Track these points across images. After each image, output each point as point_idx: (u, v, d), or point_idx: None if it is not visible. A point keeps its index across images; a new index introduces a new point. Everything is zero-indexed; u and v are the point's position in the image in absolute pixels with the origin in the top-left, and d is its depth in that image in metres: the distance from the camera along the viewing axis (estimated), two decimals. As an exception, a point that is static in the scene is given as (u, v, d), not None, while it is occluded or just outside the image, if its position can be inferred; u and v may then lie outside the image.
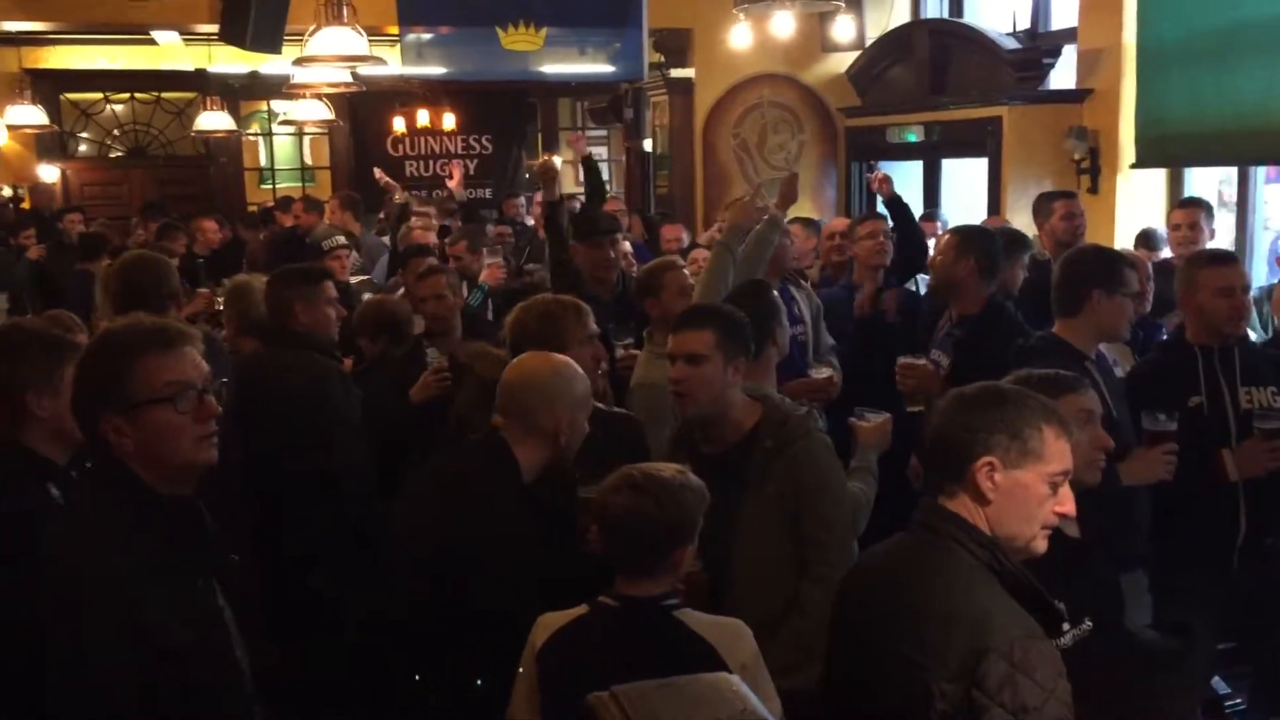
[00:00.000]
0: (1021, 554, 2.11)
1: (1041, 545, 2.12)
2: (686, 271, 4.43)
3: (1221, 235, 6.48)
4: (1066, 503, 2.11)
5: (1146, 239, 6.10)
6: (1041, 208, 5.61)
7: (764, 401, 3.03)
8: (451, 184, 9.87)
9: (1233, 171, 7.06)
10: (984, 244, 4.36)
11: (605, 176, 14.65)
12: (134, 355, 2.06)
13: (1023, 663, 1.89)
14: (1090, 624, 2.42)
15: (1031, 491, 2.06)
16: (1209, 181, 7.29)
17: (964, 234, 4.47)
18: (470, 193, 11.87)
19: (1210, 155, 6.74)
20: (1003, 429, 2.06)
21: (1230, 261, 3.77)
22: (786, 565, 2.86)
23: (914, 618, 2.01)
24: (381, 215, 9.23)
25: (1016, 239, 5.04)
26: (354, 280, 6.24)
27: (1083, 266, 3.65)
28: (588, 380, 2.88)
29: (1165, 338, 4.23)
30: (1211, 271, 3.67)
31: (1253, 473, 3.47)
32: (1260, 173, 6.87)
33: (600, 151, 15.38)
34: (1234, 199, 7.06)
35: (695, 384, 2.95)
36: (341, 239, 6.17)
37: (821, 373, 4.38)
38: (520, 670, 2.43)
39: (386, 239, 8.44)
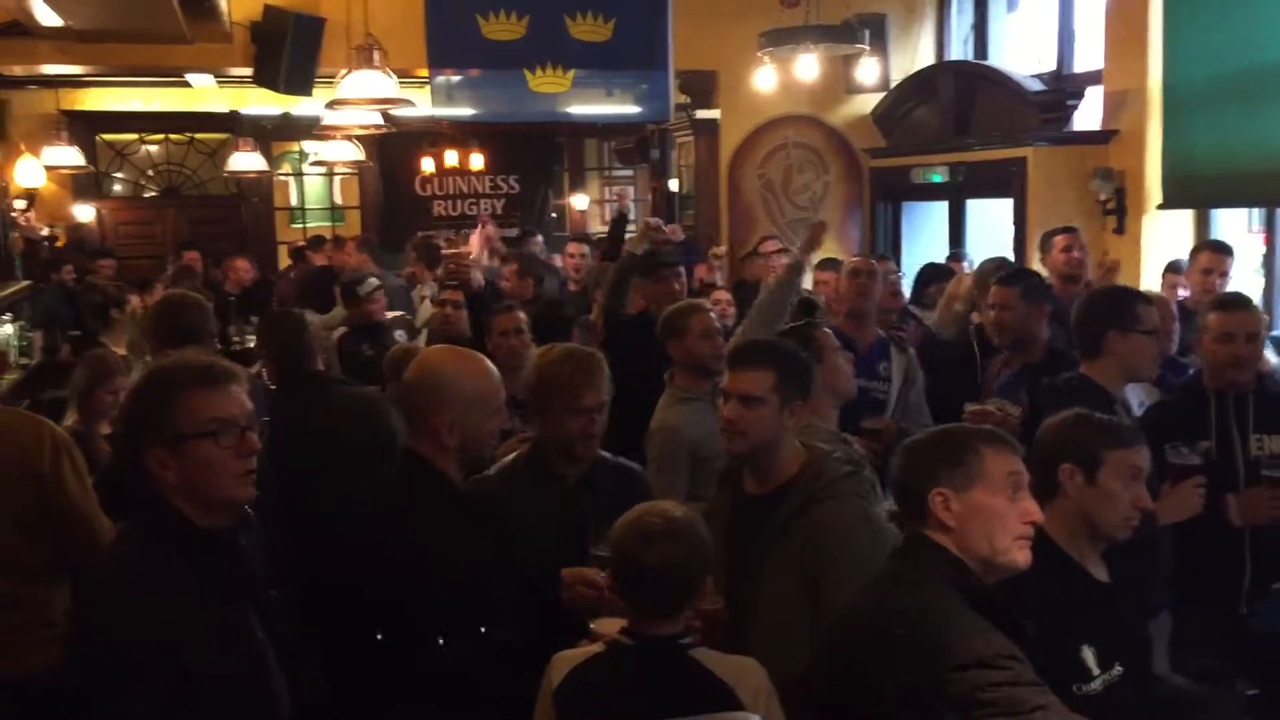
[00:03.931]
0: (1002, 570, 2.18)
1: (1020, 556, 2.19)
2: (713, 314, 4.33)
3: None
4: (1033, 511, 2.21)
5: (1173, 267, 6.09)
6: (1044, 243, 5.81)
7: (810, 452, 2.88)
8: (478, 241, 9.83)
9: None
10: (1045, 288, 4.39)
11: (631, 216, 14.85)
12: (181, 390, 2.12)
13: (984, 655, 1.96)
14: (1120, 670, 2.41)
15: (989, 507, 2.17)
16: (1237, 221, 7.26)
17: (1026, 283, 4.40)
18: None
19: (1237, 196, 6.73)
20: (943, 460, 2.21)
21: (1236, 307, 3.69)
22: (807, 631, 2.66)
23: (878, 621, 2.12)
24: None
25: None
26: (388, 315, 6.30)
27: (1096, 307, 3.65)
28: (490, 379, 2.69)
29: (1183, 379, 4.21)
30: (1216, 316, 3.65)
31: (1256, 520, 3.44)
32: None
33: (627, 191, 15.52)
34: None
35: (747, 425, 2.81)
36: (375, 281, 6.25)
37: (872, 424, 4.31)
38: (537, 709, 2.43)
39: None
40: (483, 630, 2.53)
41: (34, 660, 3.07)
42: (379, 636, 2.48)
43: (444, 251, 7.57)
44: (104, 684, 1.96)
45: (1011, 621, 2.09)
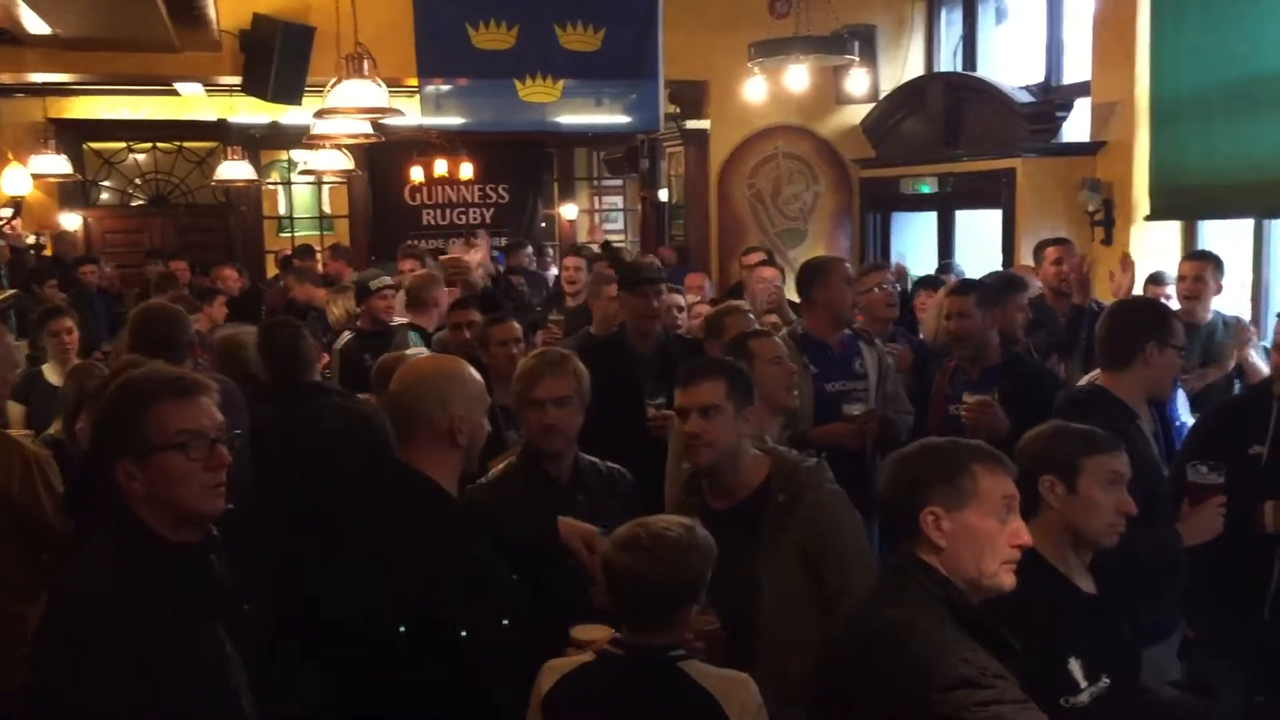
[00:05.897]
0: (988, 592, 2.16)
1: (1006, 579, 2.16)
2: (751, 315, 4.58)
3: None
4: (1022, 534, 2.18)
5: (1156, 279, 6.12)
6: (1037, 255, 5.90)
7: (772, 454, 2.99)
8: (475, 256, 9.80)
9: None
10: (995, 293, 4.45)
11: (620, 226, 14.86)
12: (151, 402, 2.09)
13: (968, 675, 1.94)
14: (1107, 682, 2.40)
15: (980, 529, 2.14)
16: (1223, 233, 7.28)
17: (979, 291, 4.46)
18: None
19: (1225, 207, 6.75)
20: (937, 478, 2.16)
21: None
22: (819, 622, 2.72)
23: (866, 639, 2.10)
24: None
25: (1011, 281, 5.11)
26: (396, 322, 6.25)
27: (1135, 317, 3.55)
28: (480, 381, 2.70)
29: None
30: (1277, 323, 3.72)
31: None
32: (1276, 225, 6.86)
33: (616, 200, 15.53)
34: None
35: (711, 435, 2.89)
36: (388, 279, 6.24)
37: (854, 410, 4.40)
38: (527, 716, 2.43)
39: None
40: (472, 637, 2.50)
41: (13, 677, 3.05)
42: (384, 641, 2.45)
43: (441, 259, 7.57)
44: (64, 685, 1.94)
45: (999, 640, 2.07)
